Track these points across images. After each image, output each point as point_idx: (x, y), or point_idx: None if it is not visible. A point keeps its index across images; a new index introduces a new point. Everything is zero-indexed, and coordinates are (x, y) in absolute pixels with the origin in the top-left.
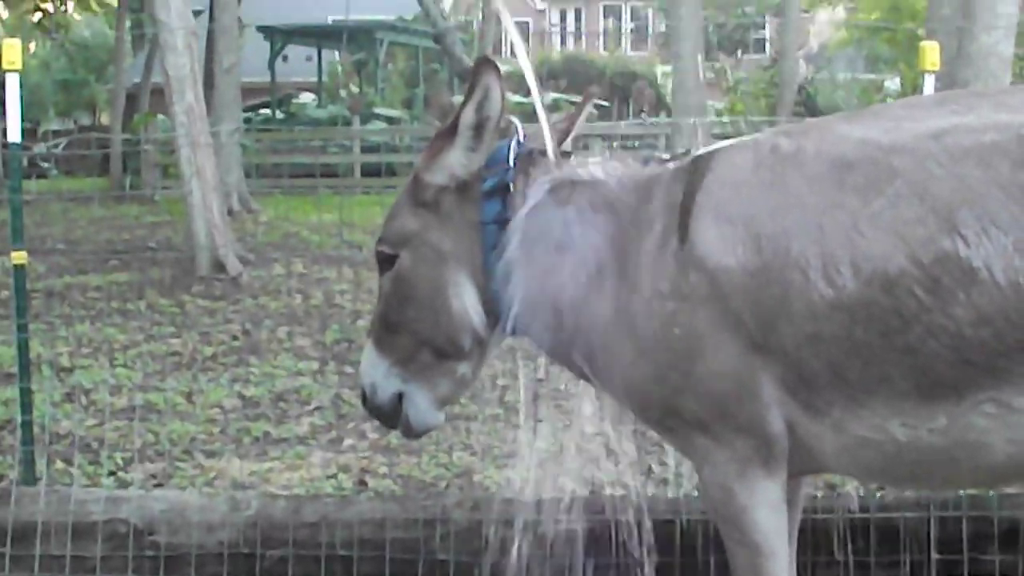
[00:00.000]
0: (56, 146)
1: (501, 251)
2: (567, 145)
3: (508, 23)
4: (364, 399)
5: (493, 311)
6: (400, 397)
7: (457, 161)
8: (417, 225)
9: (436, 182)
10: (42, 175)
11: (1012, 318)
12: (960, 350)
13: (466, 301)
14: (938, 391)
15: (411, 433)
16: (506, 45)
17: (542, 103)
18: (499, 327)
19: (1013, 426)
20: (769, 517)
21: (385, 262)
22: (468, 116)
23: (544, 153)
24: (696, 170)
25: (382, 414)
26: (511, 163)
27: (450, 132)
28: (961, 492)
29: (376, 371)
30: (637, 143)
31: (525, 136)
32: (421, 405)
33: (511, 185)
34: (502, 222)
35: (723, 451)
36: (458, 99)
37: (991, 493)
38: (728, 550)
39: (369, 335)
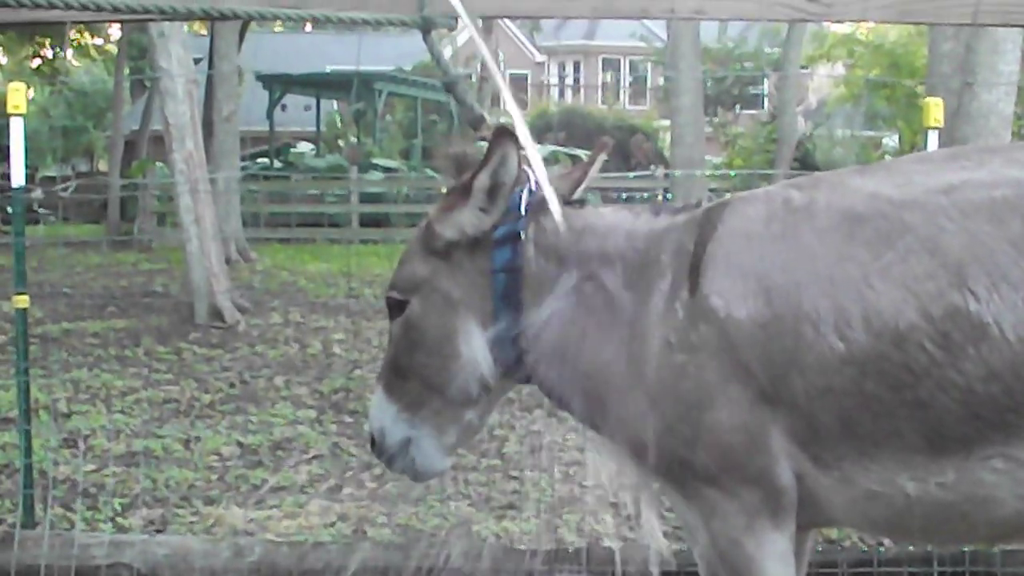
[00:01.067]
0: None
1: (510, 299)
2: (579, 194)
3: (496, 75)
4: (373, 443)
5: (501, 359)
6: (408, 442)
7: (469, 221)
8: (428, 272)
9: (447, 236)
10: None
11: (1021, 373)
12: (970, 405)
13: (475, 348)
14: (948, 445)
15: (418, 478)
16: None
17: (538, 155)
18: (507, 374)
19: (1022, 481)
20: (777, 569)
21: (395, 308)
22: (483, 181)
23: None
24: (708, 221)
25: (389, 458)
26: (523, 212)
27: (464, 192)
28: (965, 548)
29: (385, 416)
30: (636, 196)
31: (537, 184)
32: (428, 451)
33: (522, 234)
34: (512, 270)
35: (731, 503)
36: (474, 149)
37: (995, 549)
38: None
39: (379, 380)
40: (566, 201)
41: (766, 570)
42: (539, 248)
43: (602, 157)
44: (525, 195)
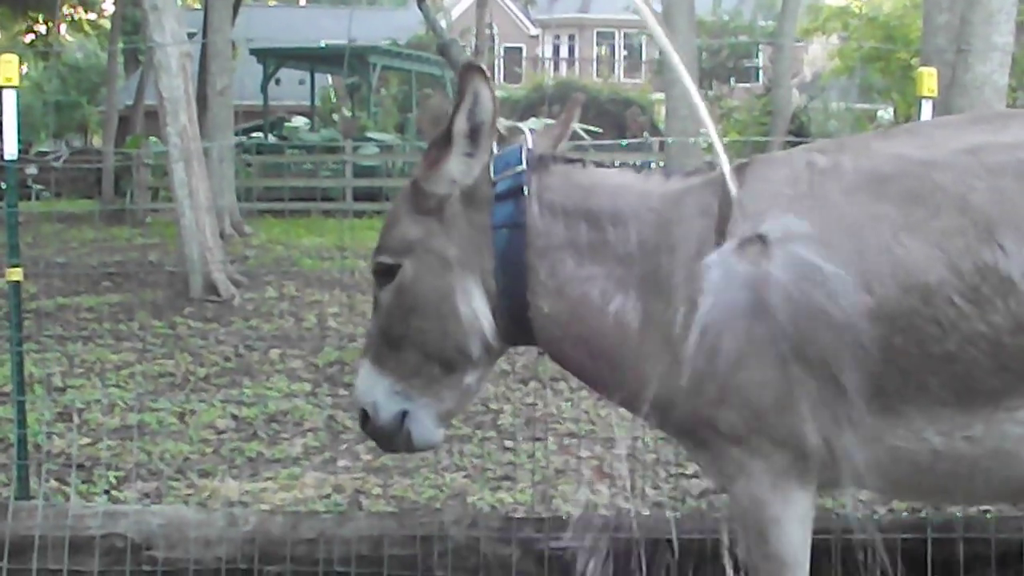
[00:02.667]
0: (57, 158)
1: (513, 256)
2: (560, 149)
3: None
4: (364, 421)
5: (503, 318)
6: (404, 415)
7: (457, 169)
8: (420, 233)
9: (438, 191)
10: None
11: None
12: (998, 357)
13: (475, 307)
14: (975, 399)
15: (412, 450)
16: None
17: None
18: (508, 335)
19: None
20: (798, 530)
21: (385, 274)
22: (461, 123)
23: (557, 158)
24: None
25: (383, 435)
26: (524, 166)
27: (445, 141)
28: (958, 514)
29: (377, 390)
30: (632, 166)
31: (535, 140)
32: (426, 422)
33: (525, 189)
34: (515, 226)
35: (759, 463)
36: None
37: (988, 515)
38: (751, 563)
39: (364, 354)
40: (566, 159)
41: (788, 531)
42: (544, 204)
43: (577, 111)
44: (524, 150)
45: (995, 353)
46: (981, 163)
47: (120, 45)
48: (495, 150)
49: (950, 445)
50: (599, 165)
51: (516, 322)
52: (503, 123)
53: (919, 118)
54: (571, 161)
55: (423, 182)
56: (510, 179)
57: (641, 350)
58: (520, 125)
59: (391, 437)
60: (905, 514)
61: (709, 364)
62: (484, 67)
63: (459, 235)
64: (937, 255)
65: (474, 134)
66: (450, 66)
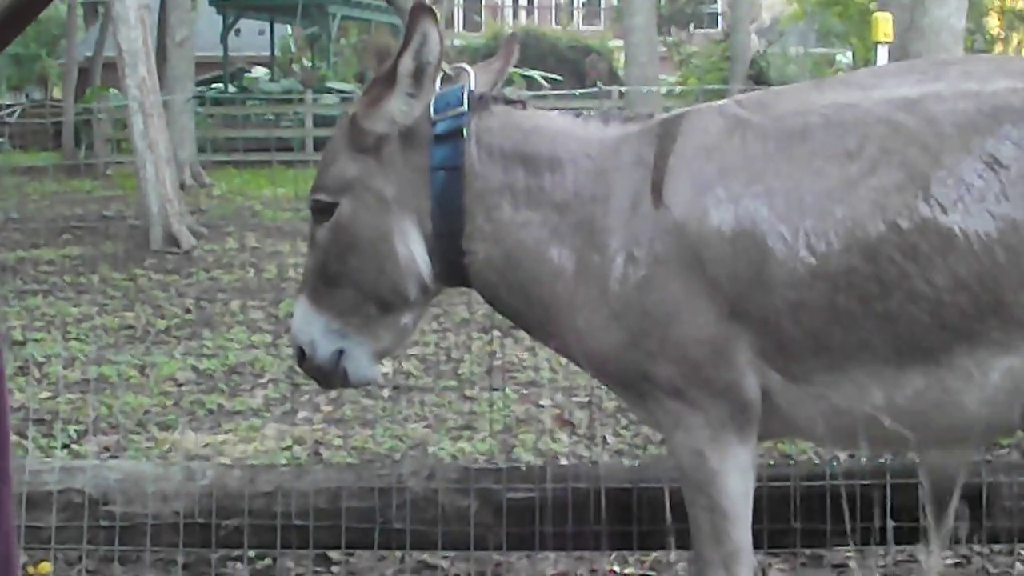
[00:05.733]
0: (11, 114)
1: (450, 198)
2: (499, 86)
3: None
4: (301, 358)
5: (441, 259)
6: (340, 354)
7: (397, 109)
8: (357, 171)
9: (377, 130)
10: None
11: (987, 283)
12: (938, 315)
13: (413, 248)
14: (917, 355)
15: (347, 386)
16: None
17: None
18: (444, 277)
19: (985, 387)
20: (738, 482)
21: (322, 212)
22: (407, 63)
23: (498, 99)
24: (666, 133)
25: (321, 373)
26: (465, 108)
27: (389, 79)
28: (916, 460)
29: (314, 328)
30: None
31: (476, 82)
32: (362, 360)
33: (464, 131)
34: (453, 168)
35: (697, 416)
36: (396, 43)
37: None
38: (692, 516)
39: (301, 291)
40: (508, 101)
41: (729, 483)
42: (482, 147)
43: (516, 50)
44: (466, 91)
45: (935, 311)
46: (916, 115)
47: None
48: (437, 90)
49: (892, 400)
50: (540, 108)
51: (452, 265)
52: (446, 66)
53: (876, 63)
54: (512, 102)
55: (362, 119)
56: (449, 120)
57: (576, 300)
58: (464, 66)
59: (328, 375)
60: (864, 460)
61: (645, 318)
62: (433, 8)
63: (397, 175)
64: (876, 212)
65: (418, 74)
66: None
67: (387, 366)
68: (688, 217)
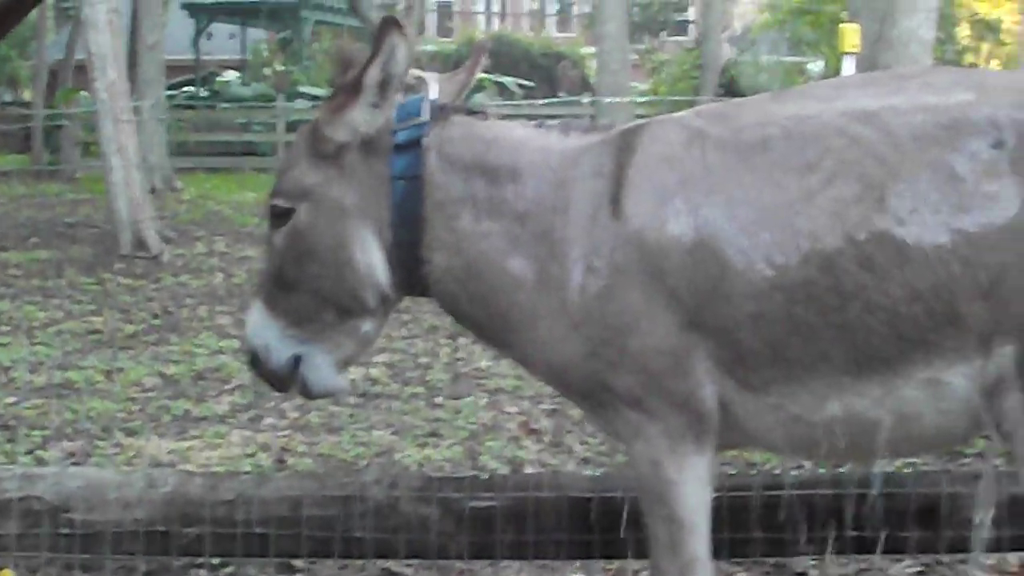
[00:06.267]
0: None
1: (410, 208)
2: (463, 96)
3: None
4: (253, 362)
5: (400, 268)
6: (298, 360)
7: (361, 118)
8: (317, 178)
9: (338, 138)
10: None
11: (942, 295)
12: (895, 326)
13: (371, 256)
14: (874, 366)
15: (310, 396)
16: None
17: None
18: (403, 286)
19: (942, 398)
20: (695, 492)
21: (279, 216)
22: (373, 74)
23: (459, 109)
24: (626, 144)
25: (275, 379)
26: (425, 117)
27: (353, 89)
28: (877, 470)
29: (269, 333)
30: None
31: (438, 92)
32: (322, 368)
33: (424, 140)
34: (413, 178)
35: (655, 426)
36: (361, 48)
37: (907, 471)
38: (649, 525)
39: (256, 295)
40: (469, 111)
41: (686, 493)
42: (443, 156)
43: (483, 59)
44: (427, 100)
45: (892, 322)
46: (874, 128)
47: None
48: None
49: (850, 410)
50: (503, 118)
51: (411, 274)
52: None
53: (842, 73)
54: (473, 113)
55: (324, 126)
56: (410, 130)
57: (536, 311)
58: (425, 75)
59: (283, 381)
60: (822, 470)
61: (604, 328)
62: (401, 22)
63: (357, 183)
64: (834, 224)
65: (384, 86)
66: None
67: (354, 373)
68: (647, 228)
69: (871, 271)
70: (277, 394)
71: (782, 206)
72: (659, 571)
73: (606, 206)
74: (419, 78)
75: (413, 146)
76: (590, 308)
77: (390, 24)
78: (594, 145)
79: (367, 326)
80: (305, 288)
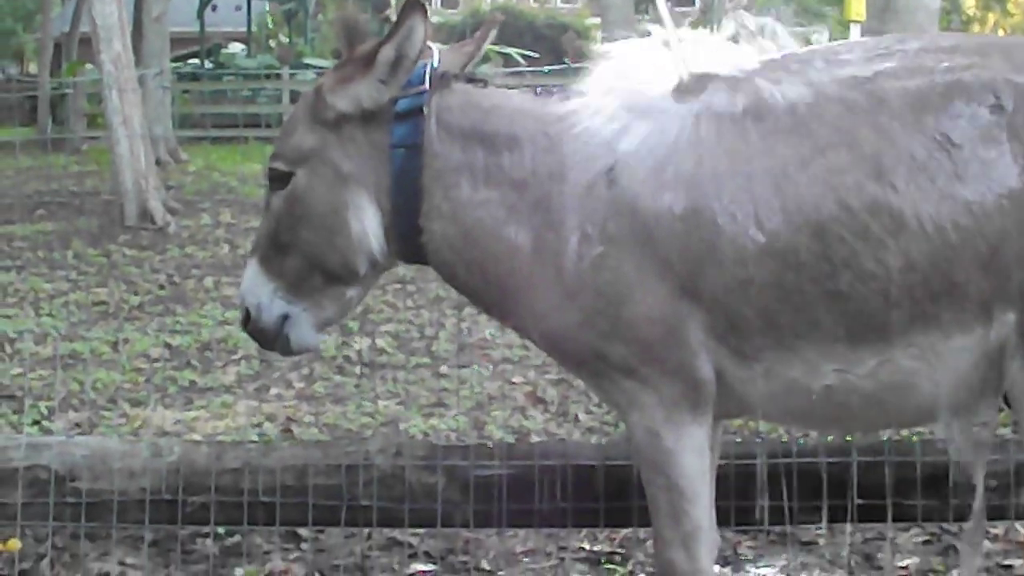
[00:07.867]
0: None
1: (409, 176)
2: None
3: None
4: (246, 320)
5: (398, 236)
6: (285, 319)
7: (367, 93)
8: (316, 143)
9: (340, 107)
10: None
11: (938, 264)
12: (889, 295)
13: (366, 224)
14: (868, 335)
15: (289, 353)
16: None
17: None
18: (399, 253)
19: (938, 368)
20: (694, 461)
21: (279, 179)
22: (388, 53)
23: (459, 78)
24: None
25: (264, 336)
26: (426, 86)
27: (365, 63)
28: (884, 437)
29: (262, 292)
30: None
31: (440, 60)
32: (304, 328)
33: (424, 109)
34: (412, 147)
35: (651, 395)
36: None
37: (914, 439)
38: (649, 495)
39: (252, 254)
40: (469, 79)
41: (683, 462)
42: (442, 125)
43: (493, 31)
44: (428, 70)
45: (886, 291)
46: (868, 94)
47: None
48: None
49: (844, 380)
50: (508, 86)
51: (409, 242)
52: None
53: None
54: (474, 81)
55: (328, 94)
56: (410, 98)
57: (532, 280)
58: (430, 44)
59: (271, 338)
60: (830, 439)
61: (598, 297)
62: (426, 6)
63: (356, 151)
64: (827, 192)
65: (396, 65)
66: None
67: (360, 343)
68: (640, 196)
69: (864, 239)
70: (290, 364)
71: (775, 173)
72: (662, 540)
73: (601, 174)
74: (424, 47)
75: (413, 114)
76: (584, 277)
77: (414, 6)
78: (587, 112)
79: (352, 291)
80: (298, 251)
